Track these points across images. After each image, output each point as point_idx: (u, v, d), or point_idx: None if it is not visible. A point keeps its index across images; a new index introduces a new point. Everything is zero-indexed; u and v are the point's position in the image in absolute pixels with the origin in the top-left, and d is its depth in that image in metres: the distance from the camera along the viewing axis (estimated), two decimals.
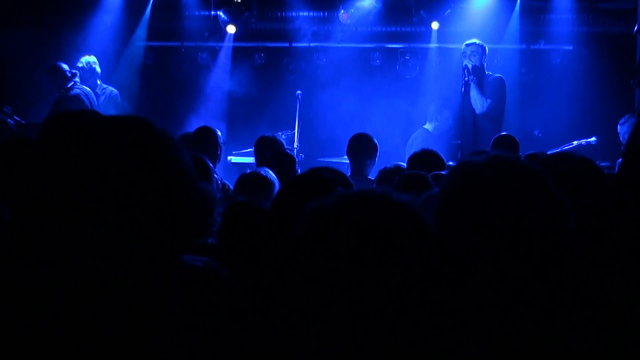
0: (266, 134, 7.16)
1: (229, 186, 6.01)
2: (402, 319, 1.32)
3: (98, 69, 9.90)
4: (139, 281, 1.24)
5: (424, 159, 5.20)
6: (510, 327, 1.53)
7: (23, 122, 9.03)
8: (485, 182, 1.63)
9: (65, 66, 9.35)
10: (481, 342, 1.49)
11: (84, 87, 9.42)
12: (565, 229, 1.63)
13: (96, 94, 9.65)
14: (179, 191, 1.27)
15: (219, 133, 6.89)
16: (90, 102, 9.30)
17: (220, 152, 6.80)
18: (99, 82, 9.88)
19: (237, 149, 9.97)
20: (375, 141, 6.64)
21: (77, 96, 9.20)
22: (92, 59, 9.92)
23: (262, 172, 4.86)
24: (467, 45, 8.70)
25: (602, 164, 7.29)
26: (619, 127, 8.29)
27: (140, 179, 1.22)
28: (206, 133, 6.79)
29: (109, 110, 9.46)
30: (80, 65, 9.71)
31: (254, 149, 6.92)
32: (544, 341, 1.55)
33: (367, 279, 1.31)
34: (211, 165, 5.09)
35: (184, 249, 1.32)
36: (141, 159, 1.24)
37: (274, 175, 4.88)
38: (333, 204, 1.39)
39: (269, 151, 6.25)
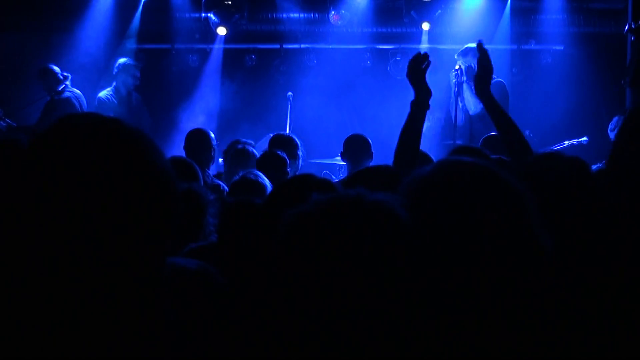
0: (280, 133, 7.13)
1: (223, 187, 5.98)
2: (381, 316, 1.32)
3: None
4: (125, 283, 1.23)
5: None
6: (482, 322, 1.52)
7: (14, 124, 8.99)
8: (436, 188, 1.62)
9: (56, 68, 9.32)
10: (456, 338, 1.49)
11: (75, 89, 9.40)
12: (525, 221, 1.61)
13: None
14: (157, 192, 1.26)
15: (212, 135, 6.87)
16: (80, 105, 9.29)
17: (213, 154, 6.77)
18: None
19: None
20: (370, 141, 6.68)
21: (67, 99, 9.19)
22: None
23: (252, 176, 4.84)
24: (468, 48, 8.70)
25: (596, 166, 7.33)
26: (610, 133, 8.27)
27: (115, 180, 1.21)
28: (198, 135, 6.77)
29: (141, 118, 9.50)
30: (117, 71, 9.62)
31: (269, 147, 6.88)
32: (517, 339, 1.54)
33: (344, 280, 1.31)
34: (197, 167, 5.06)
35: (167, 249, 1.31)
36: (116, 161, 1.22)
37: (265, 178, 4.86)
38: (309, 209, 1.39)
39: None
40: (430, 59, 3.83)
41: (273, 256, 1.39)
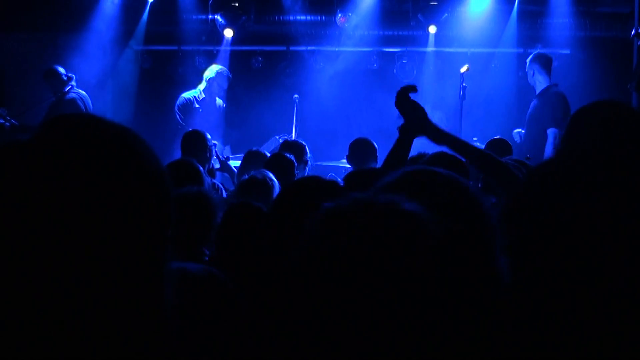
0: (288, 139, 7.16)
1: (220, 188, 6.01)
2: (404, 328, 1.31)
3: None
4: (119, 285, 1.22)
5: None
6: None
7: (17, 123, 9.01)
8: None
9: (61, 70, 9.34)
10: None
11: (80, 90, 9.43)
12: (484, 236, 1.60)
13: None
14: (148, 191, 1.26)
15: (208, 136, 6.88)
16: (85, 106, 9.31)
17: (210, 155, 6.78)
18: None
19: (233, 152, 9.95)
20: (375, 144, 6.68)
21: (72, 100, 9.21)
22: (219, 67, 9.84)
23: (260, 176, 4.85)
24: (536, 54, 8.59)
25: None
26: None
27: (105, 179, 1.21)
28: (194, 136, 6.78)
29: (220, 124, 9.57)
30: (210, 76, 9.62)
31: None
32: None
33: (369, 287, 1.29)
34: (201, 168, 5.07)
35: (166, 250, 1.30)
36: (105, 160, 1.22)
37: (273, 177, 4.87)
38: (347, 207, 1.37)
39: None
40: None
41: (293, 249, 1.37)
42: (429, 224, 1.36)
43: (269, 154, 6.58)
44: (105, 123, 1.29)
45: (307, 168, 6.75)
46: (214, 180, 6.37)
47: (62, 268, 1.17)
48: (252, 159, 6.58)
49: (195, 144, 6.64)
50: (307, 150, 6.79)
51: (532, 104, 8.44)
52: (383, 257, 1.30)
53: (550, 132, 8.00)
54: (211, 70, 9.63)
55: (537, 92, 8.35)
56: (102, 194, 1.19)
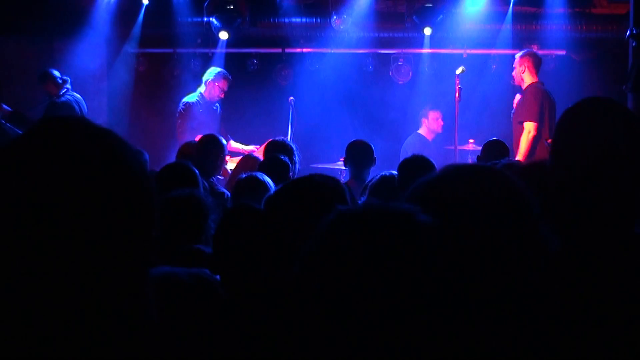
0: (276, 138, 7.10)
1: (227, 195, 5.95)
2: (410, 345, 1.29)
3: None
4: (103, 291, 1.21)
5: (415, 164, 5.18)
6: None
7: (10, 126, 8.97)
8: (441, 191, 1.60)
9: (56, 73, 9.37)
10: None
11: (75, 93, 9.43)
12: (530, 219, 1.59)
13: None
14: (127, 193, 1.24)
15: (224, 142, 6.80)
16: (80, 109, 9.32)
17: (221, 162, 6.70)
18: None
19: (230, 154, 9.94)
20: (372, 146, 6.66)
21: (67, 102, 9.23)
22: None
23: (256, 177, 4.84)
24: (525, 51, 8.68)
25: None
26: None
27: (85, 181, 1.20)
28: (205, 142, 6.71)
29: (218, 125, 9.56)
30: (209, 78, 9.57)
31: (264, 152, 6.87)
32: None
33: (378, 298, 1.27)
34: (197, 171, 5.03)
35: (148, 253, 1.28)
36: (86, 162, 1.21)
37: (269, 179, 4.85)
38: (359, 214, 1.35)
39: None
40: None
41: (306, 250, 1.34)
42: (442, 238, 1.34)
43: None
44: (87, 126, 1.28)
45: (297, 168, 6.68)
46: (223, 189, 6.29)
47: (40, 268, 1.16)
48: (247, 163, 6.54)
49: (204, 149, 6.56)
50: (295, 150, 6.74)
51: (517, 102, 8.53)
52: (393, 268, 1.28)
53: (525, 125, 8.09)
54: (210, 73, 9.60)
55: (522, 89, 8.46)
56: (82, 195, 1.18)
